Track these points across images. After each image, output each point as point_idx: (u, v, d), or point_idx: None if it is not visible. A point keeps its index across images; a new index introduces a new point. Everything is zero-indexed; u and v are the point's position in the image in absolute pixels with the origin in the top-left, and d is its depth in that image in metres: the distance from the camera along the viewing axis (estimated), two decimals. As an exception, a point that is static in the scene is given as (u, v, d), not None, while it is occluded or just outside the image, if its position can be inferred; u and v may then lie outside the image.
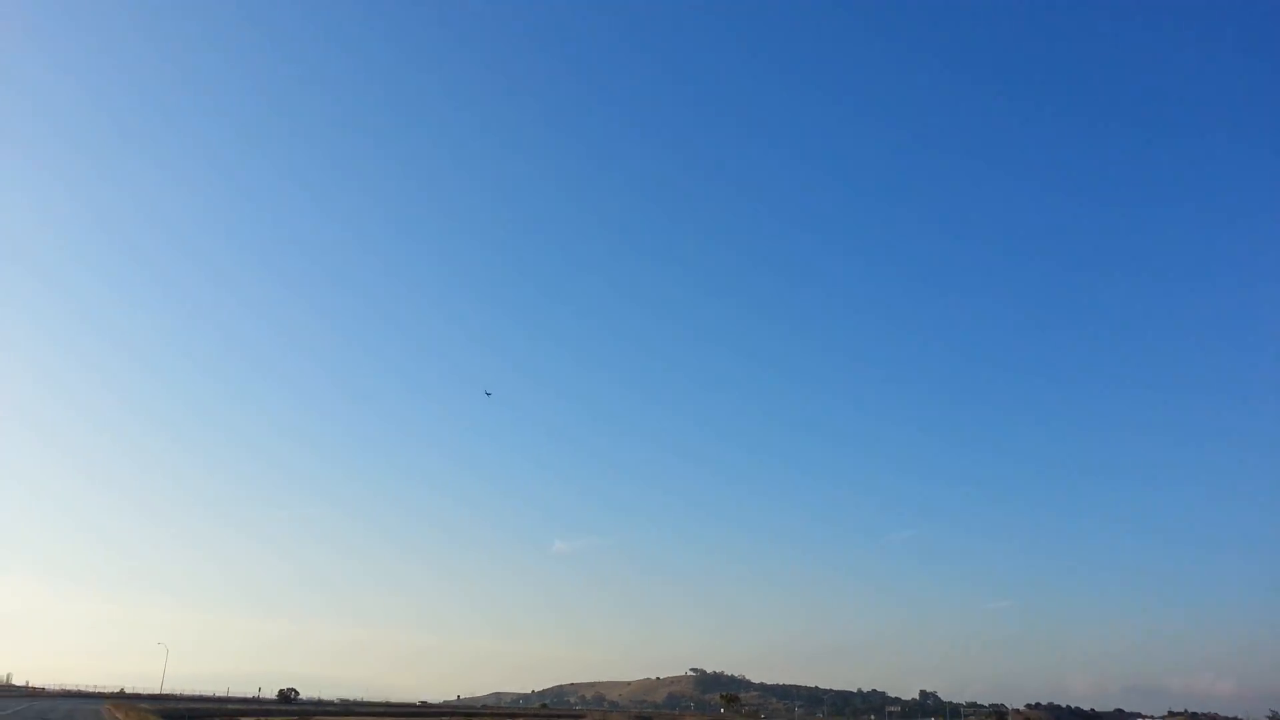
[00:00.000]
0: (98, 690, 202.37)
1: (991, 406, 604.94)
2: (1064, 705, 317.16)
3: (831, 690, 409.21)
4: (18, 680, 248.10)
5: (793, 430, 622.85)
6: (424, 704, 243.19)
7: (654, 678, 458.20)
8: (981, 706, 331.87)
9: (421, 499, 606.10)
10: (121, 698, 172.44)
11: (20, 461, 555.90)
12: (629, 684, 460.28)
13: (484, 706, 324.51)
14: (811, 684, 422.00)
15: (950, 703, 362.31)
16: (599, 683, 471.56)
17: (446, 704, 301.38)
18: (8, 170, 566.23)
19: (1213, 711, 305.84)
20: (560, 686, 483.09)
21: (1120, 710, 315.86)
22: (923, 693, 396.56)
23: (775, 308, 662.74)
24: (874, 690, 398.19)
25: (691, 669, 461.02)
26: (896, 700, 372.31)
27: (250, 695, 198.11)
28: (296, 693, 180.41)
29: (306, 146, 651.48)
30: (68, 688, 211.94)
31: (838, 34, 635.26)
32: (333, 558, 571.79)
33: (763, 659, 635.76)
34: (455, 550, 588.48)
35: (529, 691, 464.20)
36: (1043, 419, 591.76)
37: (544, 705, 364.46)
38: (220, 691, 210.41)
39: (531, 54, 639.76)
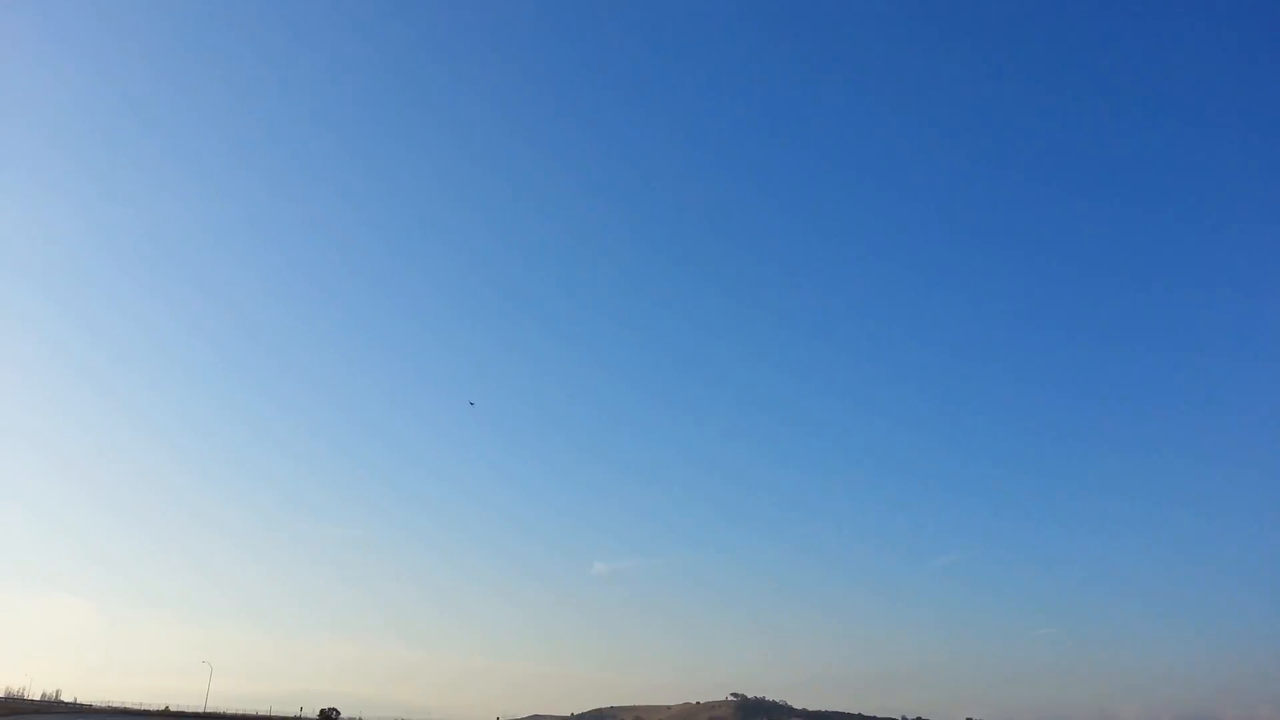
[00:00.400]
0: (143, 708, 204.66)
1: (1039, 429, 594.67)
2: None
3: (875, 717, 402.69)
4: (66, 697, 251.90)
5: (837, 453, 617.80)
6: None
7: (694, 702, 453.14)
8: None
9: (459, 518, 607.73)
10: (166, 715, 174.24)
11: (69, 486, 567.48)
12: (669, 708, 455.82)
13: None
14: (855, 710, 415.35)
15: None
16: (639, 706, 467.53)
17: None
18: (7, 172, 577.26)
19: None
20: (600, 710, 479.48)
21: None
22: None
23: (824, 331, 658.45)
24: (919, 717, 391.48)
25: (732, 694, 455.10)
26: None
27: (292, 715, 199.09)
28: (337, 712, 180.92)
29: (319, 142, 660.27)
30: (114, 705, 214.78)
31: (848, 31, 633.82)
32: (373, 580, 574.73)
33: (805, 685, 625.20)
34: (495, 571, 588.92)
35: (569, 714, 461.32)
36: (1093, 441, 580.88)
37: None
38: (263, 710, 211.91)
39: (545, 48, 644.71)
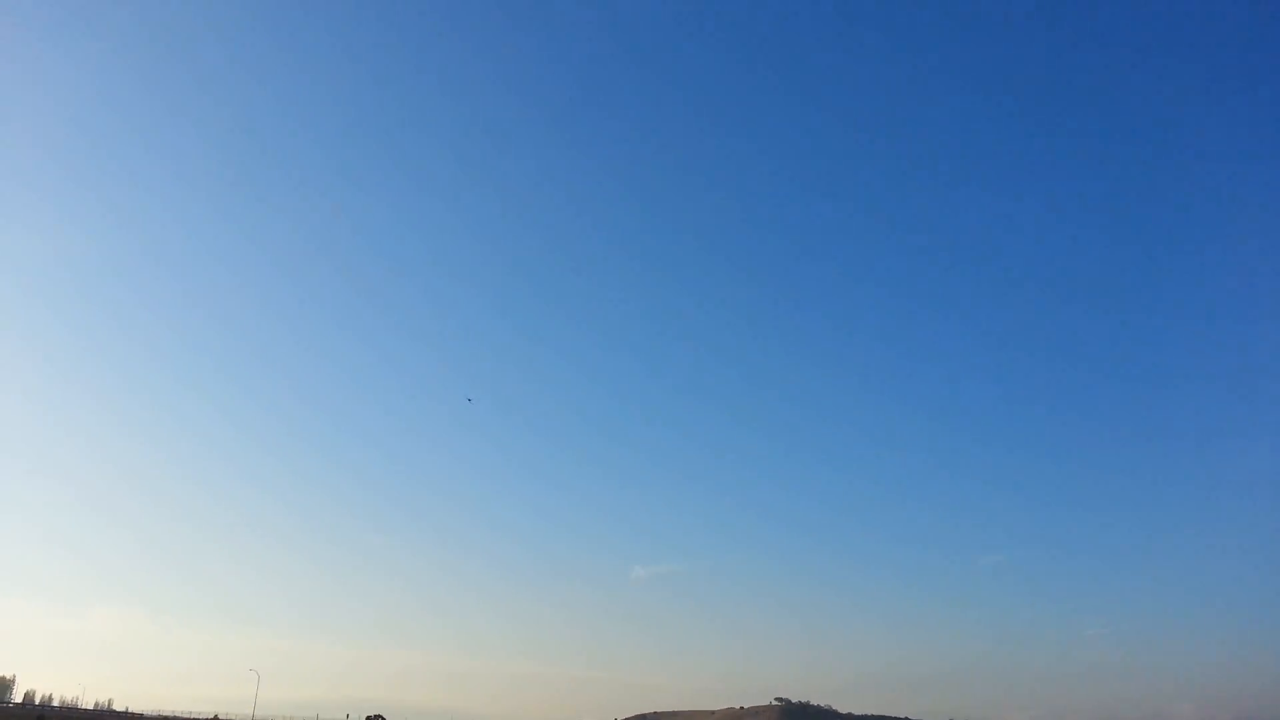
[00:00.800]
0: (192, 715, 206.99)
1: (1086, 423, 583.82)
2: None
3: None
4: (118, 705, 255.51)
5: (880, 453, 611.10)
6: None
7: (739, 707, 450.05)
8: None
9: (498, 526, 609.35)
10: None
11: (121, 498, 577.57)
12: (713, 713, 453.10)
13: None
14: (902, 714, 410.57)
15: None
16: (682, 711, 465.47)
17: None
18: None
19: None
20: (644, 715, 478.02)
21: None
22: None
23: (867, 328, 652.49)
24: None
25: (776, 699, 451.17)
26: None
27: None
28: (383, 718, 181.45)
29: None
30: (165, 713, 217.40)
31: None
32: (414, 585, 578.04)
33: (851, 688, 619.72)
34: (536, 577, 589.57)
35: (612, 719, 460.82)
36: (1143, 434, 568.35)
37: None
38: (310, 716, 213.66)
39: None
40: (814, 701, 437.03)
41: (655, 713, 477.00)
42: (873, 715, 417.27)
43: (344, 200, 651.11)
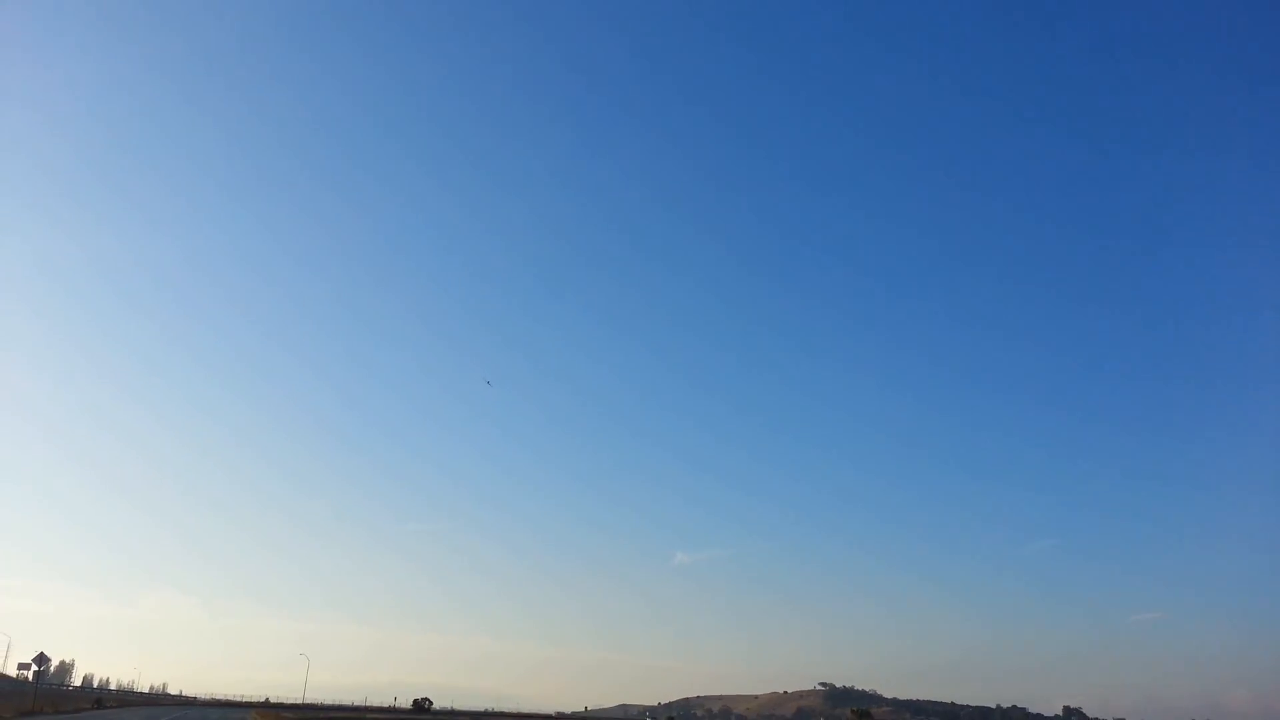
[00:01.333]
0: (245, 699, 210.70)
1: (1137, 407, 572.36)
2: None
3: (969, 706, 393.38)
4: (173, 689, 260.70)
5: (928, 437, 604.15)
6: (559, 715, 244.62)
7: (782, 691, 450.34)
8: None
9: (544, 512, 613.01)
10: (267, 706, 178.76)
11: (176, 488, 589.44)
12: (756, 698, 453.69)
13: (610, 718, 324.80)
14: (948, 699, 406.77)
15: (1096, 719, 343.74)
16: (726, 695, 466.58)
17: (576, 715, 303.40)
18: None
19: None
20: (687, 699, 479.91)
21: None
22: (1066, 708, 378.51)
23: (911, 315, 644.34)
24: (1014, 706, 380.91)
25: (820, 683, 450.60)
26: (1039, 716, 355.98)
27: (387, 705, 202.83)
28: (430, 702, 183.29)
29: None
30: (217, 697, 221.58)
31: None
32: (464, 572, 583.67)
33: (895, 673, 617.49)
34: (578, 563, 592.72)
35: (656, 704, 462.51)
36: (1193, 420, 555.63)
37: (670, 718, 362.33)
38: (359, 700, 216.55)
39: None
40: (858, 686, 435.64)
41: (699, 696, 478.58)
42: (917, 700, 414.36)
43: (360, 196, 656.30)
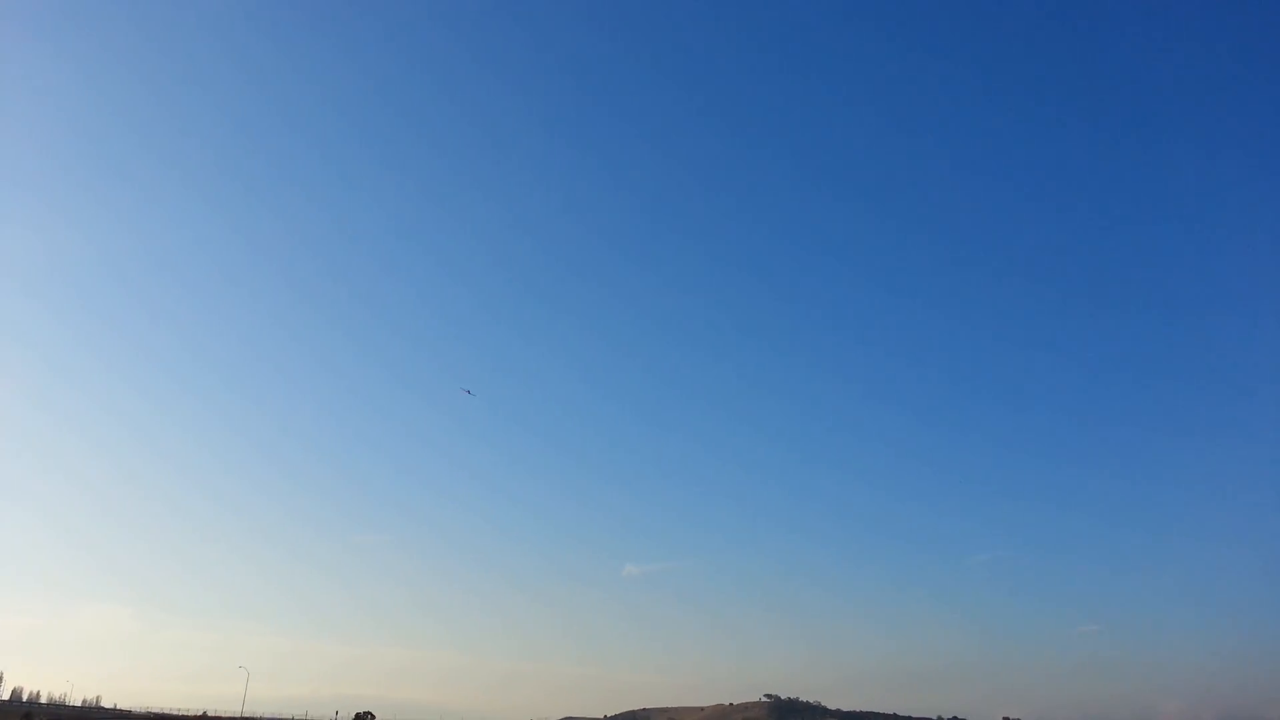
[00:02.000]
0: (181, 713, 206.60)
1: (1076, 421, 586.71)
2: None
3: (911, 717, 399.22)
4: (106, 703, 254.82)
5: (872, 452, 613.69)
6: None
7: (728, 704, 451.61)
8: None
9: (491, 523, 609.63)
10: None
11: (106, 498, 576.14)
12: (702, 710, 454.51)
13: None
14: (890, 710, 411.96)
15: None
16: (672, 708, 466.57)
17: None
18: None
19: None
20: (633, 711, 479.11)
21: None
22: (1006, 719, 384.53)
23: (853, 326, 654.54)
24: (955, 717, 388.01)
25: (766, 695, 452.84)
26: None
27: (328, 718, 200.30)
28: (373, 716, 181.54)
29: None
30: (153, 710, 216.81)
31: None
32: (404, 585, 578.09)
33: (840, 685, 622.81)
34: (528, 576, 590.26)
35: (601, 716, 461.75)
36: (1133, 431, 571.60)
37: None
38: (299, 714, 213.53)
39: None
40: (803, 698, 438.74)
41: (645, 709, 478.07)
42: (861, 712, 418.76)
43: (338, 199, 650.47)
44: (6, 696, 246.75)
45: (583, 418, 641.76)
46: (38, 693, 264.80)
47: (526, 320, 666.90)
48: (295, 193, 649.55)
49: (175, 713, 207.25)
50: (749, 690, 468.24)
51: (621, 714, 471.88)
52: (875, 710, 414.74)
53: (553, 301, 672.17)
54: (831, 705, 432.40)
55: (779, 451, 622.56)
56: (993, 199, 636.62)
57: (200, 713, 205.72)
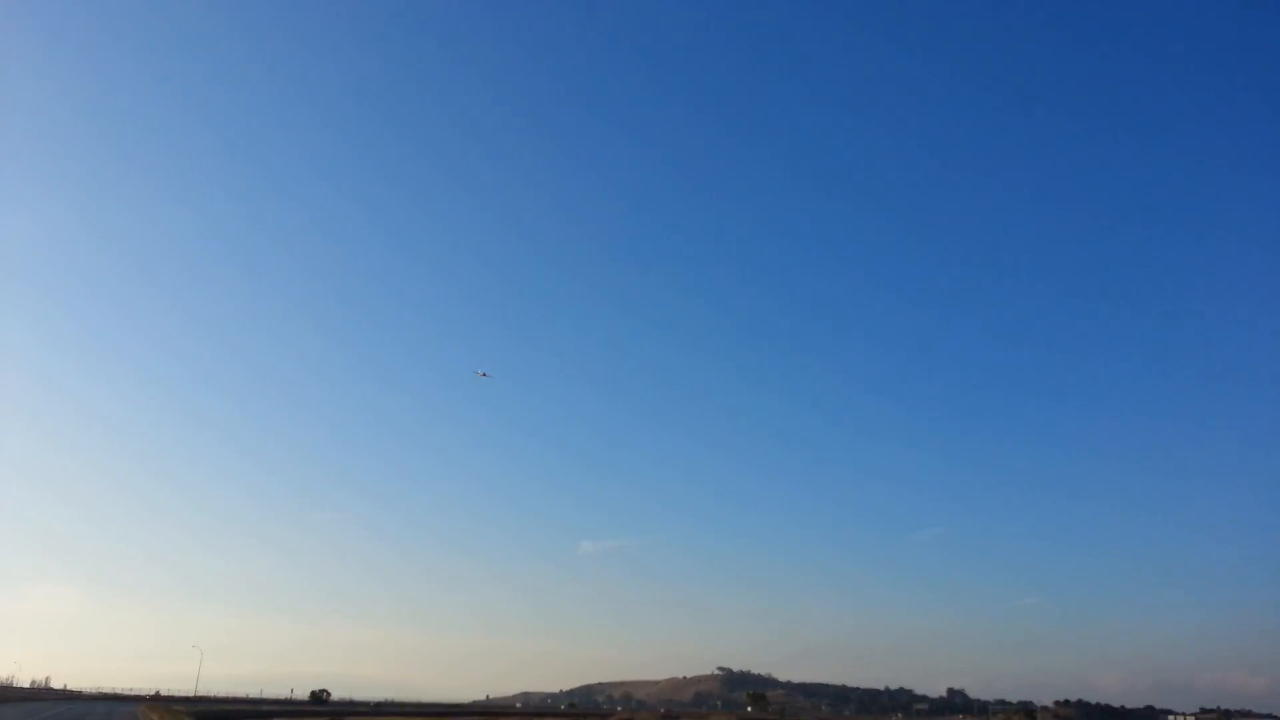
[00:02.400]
0: (134, 693, 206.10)
1: (1018, 396, 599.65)
2: (1093, 702, 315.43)
3: (859, 689, 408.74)
4: (56, 684, 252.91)
5: (820, 427, 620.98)
6: (458, 704, 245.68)
7: (681, 677, 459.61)
8: (1010, 704, 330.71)
9: (447, 501, 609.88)
10: (157, 700, 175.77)
11: (59, 474, 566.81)
12: (657, 683, 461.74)
13: (512, 706, 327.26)
14: (839, 682, 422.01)
15: (978, 700, 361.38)
16: (627, 682, 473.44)
17: (475, 704, 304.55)
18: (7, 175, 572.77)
19: (1246, 709, 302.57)
20: (588, 686, 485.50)
21: (1150, 707, 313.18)
22: (951, 690, 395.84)
23: (804, 302, 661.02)
24: (901, 688, 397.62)
25: (719, 668, 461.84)
26: (924, 698, 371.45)
27: (283, 696, 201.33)
28: (328, 694, 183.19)
29: (296, 154, 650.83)
30: (104, 690, 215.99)
31: (825, 41, 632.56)
32: (359, 562, 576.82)
33: (790, 658, 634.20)
34: (484, 553, 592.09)
35: (557, 691, 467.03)
36: (1074, 407, 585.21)
37: (572, 704, 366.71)
38: (254, 693, 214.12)
39: (517, 59, 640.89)
40: (754, 670, 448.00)
41: (600, 683, 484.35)
42: (810, 683, 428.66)
43: (317, 198, 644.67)
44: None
45: (536, 396, 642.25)
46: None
47: (478, 296, 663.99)
48: (273, 192, 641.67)
49: (127, 692, 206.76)
50: (703, 664, 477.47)
51: (577, 688, 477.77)
52: (825, 682, 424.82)
53: (512, 282, 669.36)
54: (782, 678, 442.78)
55: (732, 430, 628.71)
56: (992, 199, 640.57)
57: (153, 692, 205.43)
